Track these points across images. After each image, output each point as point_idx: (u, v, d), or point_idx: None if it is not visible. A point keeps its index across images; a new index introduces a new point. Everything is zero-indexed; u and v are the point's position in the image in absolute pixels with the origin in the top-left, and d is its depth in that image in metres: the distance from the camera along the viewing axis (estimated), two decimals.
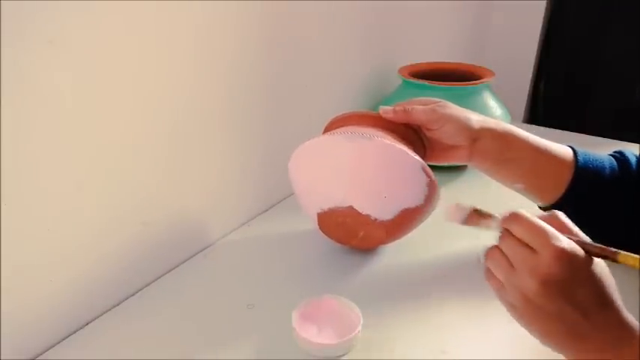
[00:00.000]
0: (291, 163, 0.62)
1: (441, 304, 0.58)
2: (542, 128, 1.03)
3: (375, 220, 0.59)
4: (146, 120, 0.56)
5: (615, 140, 0.93)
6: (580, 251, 0.39)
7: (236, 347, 0.52)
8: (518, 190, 0.60)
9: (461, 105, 0.60)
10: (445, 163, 0.63)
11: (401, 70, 0.92)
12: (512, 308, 0.42)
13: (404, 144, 0.57)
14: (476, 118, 0.58)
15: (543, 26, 1.25)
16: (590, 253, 0.39)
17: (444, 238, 0.67)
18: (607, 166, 0.58)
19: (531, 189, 0.59)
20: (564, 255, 0.38)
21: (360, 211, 0.58)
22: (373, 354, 0.51)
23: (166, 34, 0.56)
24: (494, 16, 1.52)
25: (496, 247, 0.42)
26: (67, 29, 0.46)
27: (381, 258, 0.66)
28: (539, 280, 0.38)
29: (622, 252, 0.39)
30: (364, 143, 0.56)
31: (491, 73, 0.91)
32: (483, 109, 0.85)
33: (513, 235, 0.41)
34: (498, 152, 0.58)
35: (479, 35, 1.48)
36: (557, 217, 0.42)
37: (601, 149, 0.62)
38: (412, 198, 0.58)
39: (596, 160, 0.58)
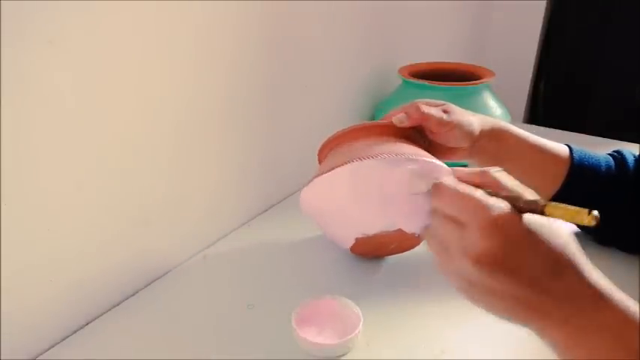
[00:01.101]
0: (308, 192, 0.57)
1: (441, 304, 0.57)
2: (542, 128, 1.03)
3: (415, 234, 0.58)
4: (146, 120, 0.56)
5: (615, 140, 0.93)
6: (514, 216, 0.34)
7: (236, 347, 0.52)
8: None
9: (461, 105, 0.60)
10: (445, 162, 0.63)
11: (401, 70, 0.92)
12: (462, 291, 0.38)
13: (422, 149, 0.56)
14: (477, 121, 0.59)
15: (543, 26, 1.25)
16: (522, 211, 0.35)
17: None
18: (603, 164, 0.58)
19: (528, 186, 0.59)
20: (493, 226, 0.34)
21: (407, 232, 0.57)
22: (373, 354, 0.51)
23: (166, 34, 0.56)
24: (495, 16, 1.52)
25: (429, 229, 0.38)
26: (67, 29, 0.46)
27: (381, 258, 0.66)
28: (472, 260, 0.34)
29: (551, 203, 0.34)
30: (410, 165, 0.52)
31: (491, 73, 0.91)
32: (483, 109, 0.85)
33: (441, 212, 0.37)
34: (495, 150, 0.59)
35: (479, 35, 1.49)
36: (485, 175, 0.38)
37: (601, 149, 0.62)
38: None
39: (592, 158, 0.58)
